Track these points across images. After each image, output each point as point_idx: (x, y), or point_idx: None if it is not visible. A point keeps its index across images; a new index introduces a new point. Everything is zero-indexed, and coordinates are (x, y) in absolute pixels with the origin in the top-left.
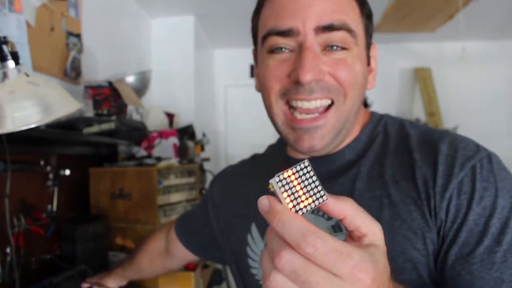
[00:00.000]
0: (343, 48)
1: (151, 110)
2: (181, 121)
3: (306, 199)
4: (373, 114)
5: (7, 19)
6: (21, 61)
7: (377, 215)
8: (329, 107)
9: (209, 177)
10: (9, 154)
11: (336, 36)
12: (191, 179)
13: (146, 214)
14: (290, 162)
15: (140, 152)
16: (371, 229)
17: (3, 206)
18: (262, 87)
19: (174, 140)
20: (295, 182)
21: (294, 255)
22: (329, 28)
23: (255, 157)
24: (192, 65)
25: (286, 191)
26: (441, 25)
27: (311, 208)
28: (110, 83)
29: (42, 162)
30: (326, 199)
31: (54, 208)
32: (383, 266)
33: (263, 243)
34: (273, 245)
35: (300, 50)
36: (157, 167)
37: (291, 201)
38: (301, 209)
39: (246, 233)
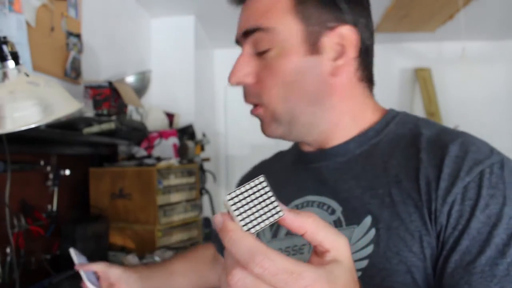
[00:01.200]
0: (268, 48)
1: (151, 110)
2: (181, 121)
3: (260, 216)
4: (389, 111)
5: (7, 19)
6: (21, 61)
7: (377, 214)
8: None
9: (209, 177)
10: (9, 154)
11: (254, 40)
12: (191, 179)
13: (146, 214)
14: (300, 156)
15: (140, 152)
16: (334, 245)
17: (3, 206)
18: None
19: (174, 140)
20: (248, 199)
21: (245, 274)
22: (246, 34)
23: (279, 153)
24: (192, 65)
25: (238, 209)
26: (441, 25)
27: (265, 225)
28: (110, 83)
29: (42, 162)
30: (283, 215)
31: (54, 208)
32: (343, 284)
33: (270, 234)
34: (227, 263)
35: None
36: (157, 167)
37: (243, 219)
38: (254, 227)
39: None
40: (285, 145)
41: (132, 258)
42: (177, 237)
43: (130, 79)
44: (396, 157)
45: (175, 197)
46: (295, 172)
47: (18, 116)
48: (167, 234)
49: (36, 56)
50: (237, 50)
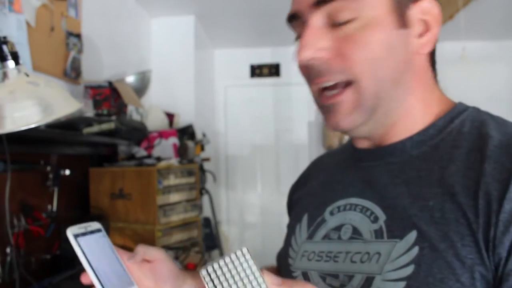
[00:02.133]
0: (350, 18)
1: (151, 110)
2: (181, 121)
3: None
4: (457, 104)
5: (7, 19)
6: (21, 61)
7: (423, 230)
8: (349, 84)
9: (209, 177)
10: (9, 154)
11: (332, 9)
12: (191, 179)
13: (146, 214)
14: (353, 153)
15: (140, 152)
16: None
17: (3, 206)
18: None
19: (174, 140)
20: (228, 275)
21: None
22: (320, 2)
23: (343, 146)
24: (192, 65)
25: (215, 286)
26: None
27: None
28: (110, 83)
29: (42, 162)
30: None
31: (54, 208)
32: None
33: (306, 235)
34: None
35: None
36: (157, 167)
37: None
38: None
39: (296, 222)
40: (285, 145)
41: None
42: (177, 237)
43: (130, 79)
44: (456, 163)
45: (175, 197)
46: (344, 170)
47: (18, 116)
48: (167, 234)
49: (36, 56)
50: (237, 50)
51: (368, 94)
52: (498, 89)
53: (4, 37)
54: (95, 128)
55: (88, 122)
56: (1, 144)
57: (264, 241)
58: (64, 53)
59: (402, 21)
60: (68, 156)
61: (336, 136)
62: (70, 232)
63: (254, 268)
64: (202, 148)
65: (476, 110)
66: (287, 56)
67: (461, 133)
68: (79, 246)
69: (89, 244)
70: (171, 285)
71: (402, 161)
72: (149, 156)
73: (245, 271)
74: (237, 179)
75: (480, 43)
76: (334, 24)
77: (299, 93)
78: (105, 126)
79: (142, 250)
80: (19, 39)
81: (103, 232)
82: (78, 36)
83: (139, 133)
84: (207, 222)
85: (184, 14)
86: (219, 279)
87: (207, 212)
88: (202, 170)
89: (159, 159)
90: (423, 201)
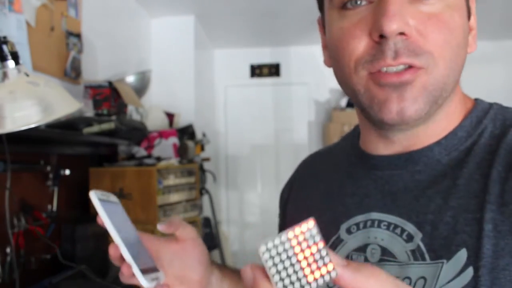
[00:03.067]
0: None
1: (151, 110)
2: (181, 121)
3: (305, 276)
4: (478, 102)
5: (7, 19)
6: (21, 61)
7: (475, 247)
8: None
9: (209, 177)
10: (9, 154)
11: None
12: (191, 179)
13: (146, 214)
14: (362, 158)
15: (140, 152)
16: None
17: (3, 206)
18: (336, 56)
19: (174, 140)
20: (291, 252)
21: None
22: None
23: (329, 150)
24: (192, 65)
25: (275, 265)
26: None
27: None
28: (110, 83)
29: (42, 162)
30: (335, 275)
31: (54, 208)
32: None
33: None
34: None
35: None
36: (157, 167)
37: (281, 279)
38: None
39: None
40: (285, 145)
41: None
42: None
43: (130, 79)
44: (497, 167)
45: (175, 197)
46: (354, 180)
47: (18, 116)
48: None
49: (36, 56)
50: (237, 50)
51: (439, 81)
52: (496, 89)
53: (4, 37)
54: (95, 128)
55: (88, 122)
56: (1, 144)
57: None
58: (64, 53)
59: (468, 9)
60: (68, 156)
61: (337, 136)
62: (94, 194)
63: (321, 245)
64: (202, 148)
65: (500, 107)
66: (287, 56)
67: (495, 135)
68: (103, 209)
69: (112, 211)
70: (200, 275)
71: (431, 169)
72: (149, 156)
73: (310, 248)
74: (237, 179)
75: (480, 43)
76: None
77: (299, 93)
78: (105, 126)
79: (178, 221)
80: (19, 39)
81: (122, 208)
82: (78, 36)
83: (139, 133)
84: (207, 222)
85: (184, 14)
86: (280, 256)
87: (207, 212)
88: (202, 170)
89: (159, 159)
90: (467, 213)
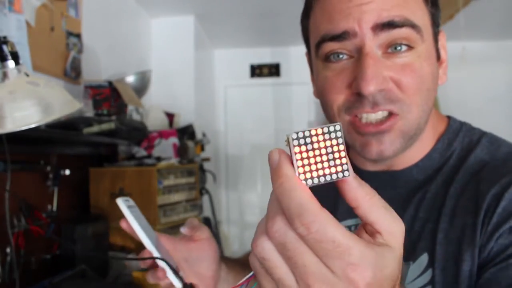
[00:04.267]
0: (408, 47)
1: (151, 110)
2: (181, 121)
3: (323, 168)
4: (450, 122)
5: (7, 19)
6: (21, 61)
7: (433, 252)
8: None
9: (209, 177)
10: (9, 154)
11: (398, 34)
12: (191, 179)
13: (146, 214)
14: (356, 173)
15: (140, 152)
16: (388, 229)
17: (3, 206)
18: (321, 99)
19: (174, 140)
20: (316, 146)
21: (287, 228)
22: (389, 25)
23: None
24: (192, 65)
25: (301, 152)
26: (441, 25)
27: (325, 180)
28: (110, 83)
29: (42, 162)
30: (348, 175)
31: (54, 208)
32: (389, 273)
33: None
34: (271, 208)
35: (359, 55)
36: (157, 167)
37: (303, 166)
38: (312, 178)
39: None
40: (285, 145)
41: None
42: None
43: (130, 79)
44: (455, 186)
45: (175, 197)
46: None
47: (18, 116)
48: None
49: (36, 56)
50: (237, 50)
51: (413, 123)
52: (498, 89)
53: (4, 37)
54: (95, 128)
55: (88, 122)
56: (1, 144)
57: None
58: (64, 53)
59: (437, 52)
60: (68, 156)
61: None
62: (122, 202)
63: (343, 147)
64: (202, 148)
65: (470, 128)
66: (287, 56)
67: (460, 157)
68: (133, 217)
69: (136, 216)
70: (213, 271)
71: (409, 185)
72: (149, 156)
73: (332, 147)
74: (237, 179)
75: (480, 43)
76: (390, 51)
77: (299, 93)
78: (105, 126)
79: (197, 223)
80: (19, 39)
81: (139, 209)
82: (78, 36)
83: (139, 133)
84: (207, 222)
85: (184, 14)
86: (306, 146)
87: (207, 212)
88: (202, 170)
89: (159, 159)
90: (430, 223)
